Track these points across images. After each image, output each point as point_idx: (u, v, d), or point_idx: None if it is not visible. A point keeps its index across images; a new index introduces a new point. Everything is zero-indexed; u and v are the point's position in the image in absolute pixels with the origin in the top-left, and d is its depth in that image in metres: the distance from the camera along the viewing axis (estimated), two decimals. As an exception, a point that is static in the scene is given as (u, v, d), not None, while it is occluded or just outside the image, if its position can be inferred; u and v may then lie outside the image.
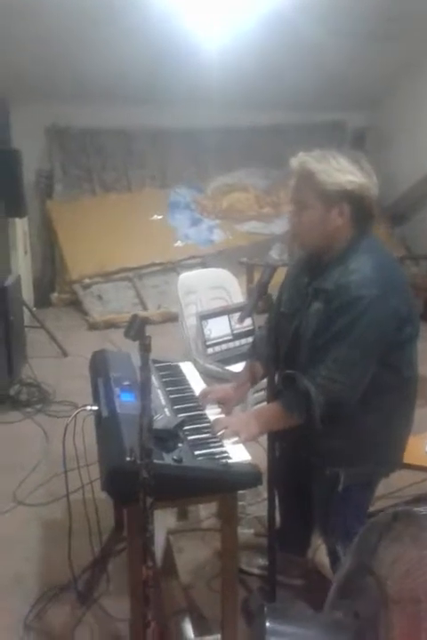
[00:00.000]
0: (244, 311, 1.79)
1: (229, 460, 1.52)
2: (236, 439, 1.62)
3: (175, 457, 1.46)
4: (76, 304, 5.71)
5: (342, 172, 1.55)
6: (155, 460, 1.38)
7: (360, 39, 5.10)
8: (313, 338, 1.61)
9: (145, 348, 1.15)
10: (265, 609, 1.19)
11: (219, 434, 1.63)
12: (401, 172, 6.37)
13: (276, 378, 1.75)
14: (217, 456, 1.55)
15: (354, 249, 1.59)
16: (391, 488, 2.43)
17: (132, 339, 1.18)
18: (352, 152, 1.65)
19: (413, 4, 4.73)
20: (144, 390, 1.17)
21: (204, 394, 1.88)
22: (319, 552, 2.10)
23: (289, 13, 4.60)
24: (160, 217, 6.20)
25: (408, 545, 0.96)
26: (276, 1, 4.52)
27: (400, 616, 1.19)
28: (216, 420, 1.70)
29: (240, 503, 2.37)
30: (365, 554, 1.10)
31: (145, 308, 5.60)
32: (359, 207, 1.59)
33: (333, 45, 5.12)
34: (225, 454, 1.56)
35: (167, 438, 1.53)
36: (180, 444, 1.55)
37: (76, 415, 1.72)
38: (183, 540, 2.30)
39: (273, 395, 1.75)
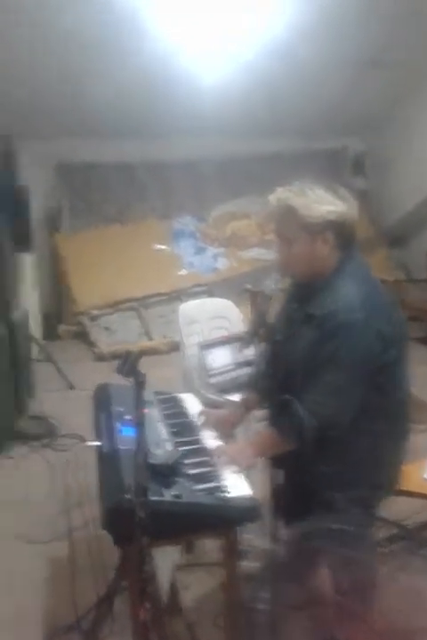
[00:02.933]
0: (243, 341, 1.81)
1: (228, 495, 1.51)
2: (233, 468, 1.64)
3: (174, 493, 1.46)
4: (83, 336, 5.73)
5: (321, 203, 1.59)
6: (153, 497, 1.37)
7: (360, 66, 5.19)
8: (304, 363, 1.63)
9: (139, 385, 1.15)
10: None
11: (216, 462, 1.66)
12: (400, 196, 6.41)
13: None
14: (217, 490, 1.53)
15: (339, 274, 1.63)
16: (394, 517, 2.39)
17: (124, 375, 1.18)
18: (328, 182, 1.66)
19: (410, 34, 4.81)
20: (139, 427, 1.16)
21: (201, 415, 1.95)
22: (325, 582, 2.06)
23: (289, 42, 4.70)
24: (164, 247, 6.25)
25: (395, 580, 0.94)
26: (275, 29, 4.61)
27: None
28: (214, 449, 1.73)
29: (248, 536, 2.34)
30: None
31: (150, 338, 5.61)
32: (342, 233, 1.62)
33: (332, 73, 5.21)
34: (225, 488, 1.54)
35: (167, 473, 1.53)
36: (179, 479, 1.54)
37: (77, 451, 1.72)
38: (189, 574, 2.27)
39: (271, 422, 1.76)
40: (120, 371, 1.22)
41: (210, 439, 1.83)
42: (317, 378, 1.59)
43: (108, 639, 1.96)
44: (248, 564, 2.22)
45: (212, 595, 2.16)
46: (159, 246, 6.24)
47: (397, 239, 6.78)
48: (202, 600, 2.15)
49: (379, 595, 1.15)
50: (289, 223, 1.62)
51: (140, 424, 1.19)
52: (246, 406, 1.95)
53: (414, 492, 2.12)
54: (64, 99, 5.22)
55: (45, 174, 6.11)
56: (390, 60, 5.13)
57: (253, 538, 2.37)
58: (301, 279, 1.71)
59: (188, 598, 2.11)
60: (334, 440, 1.61)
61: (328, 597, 1.34)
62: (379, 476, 1.71)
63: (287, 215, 1.61)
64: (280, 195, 1.64)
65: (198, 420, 1.94)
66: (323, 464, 1.63)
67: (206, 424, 1.92)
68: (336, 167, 6.70)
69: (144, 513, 1.18)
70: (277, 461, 1.79)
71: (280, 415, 1.69)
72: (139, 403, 1.19)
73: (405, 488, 1.93)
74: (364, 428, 1.62)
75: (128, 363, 1.21)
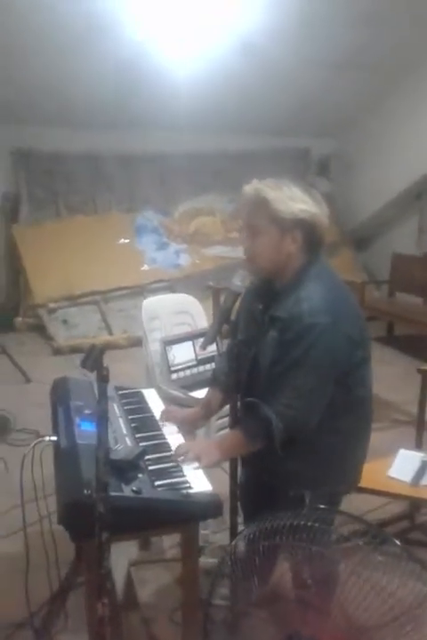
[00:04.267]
0: (206, 337, 1.80)
1: (190, 491, 1.51)
2: (196, 465, 1.63)
3: (134, 488, 1.45)
4: (40, 329, 5.60)
5: (294, 200, 1.60)
6: (113, 493, 1.36)
7: (328, 68, 5.26)
8: (270, 366, 1.63)
9: (102, 379, 1.13)
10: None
11: (180, 459, 1.65)
12: (364, 199, 6.56)
13: (237, 404, 1.77)
14: (178, 486, 1.53)
15: (305, 276, 1.63)
16: (355, 513, 2.44)
17: (89, 369, 1.16)
18: (304, 183, 1.69)
19: (380, 38, 4.92)
20: (100, 422, 1.15)
21: (163, 414, 1.92)
22: (284, 578, 2.09)
23: (260, 41, 4.72)
24: (127, 241, 6.18)
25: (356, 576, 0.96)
26: (246, 28, 4.63)
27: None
28: (178, 446, 1.72)
29: (204, 532, 2.35)
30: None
31: (111, 333, 5.54)
32: (311, 235, 1.63)
33: (301, 73, 5.27)
34: (186, 484, 1.54)
35: (127, 469, 1.52)
36: (140, 475, 1.53)
37: (34, 446, 1.68)
38: (146, 571, 2.26)
39: (235, 421, 1.77)
40: (84, 364, 1.20)
41: (171, 435, 1.83)
42: (284, 381, 1.59)
43: (62, 635, 1.93)
44: (205, 560, 2.24)
45: (168, 590, 2.16)
46: (122, 240, 6.17)
47: (360, 241, 6.93)
48: (159, 595, 2.14)
49: (341, 590, 1.17)
50: (260, 215, 1.62)
51: (102, 418, 1.18)
52: (209, 405, 1.93)
53: (377, 489, 2.16)
54: (31, 88, 5.11)
55: (5, 162, 5.96)
56: (358, 65, 5.23)
57: (211, 534, 2.38)
58: (264, 275, 1.71)
59: (144, 594, 2.10)
60: (300, 439, 1.63)
61: (289, 593, 1.35)
62: (342, 474, 1.74)
63: (260, 206, 1.61)
64: (256, 185, 1.64)
65: (161, 419, 1.92)
66: (287, 463, 1.64)
67: (168, 418, 1.91)
68: (301, 167, 6.79)
69: (104, 508, 1.17)
70: (240, 459, 1.79)
71: (247, 417, 1.69)
72: (102, 397, 1.17)
73: (368, 485, 1.96)
74: (329, 427, 1.63)
75: (92, 356, 1.19)
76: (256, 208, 1.63)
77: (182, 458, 1.65)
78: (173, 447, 1.74)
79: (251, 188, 1.65)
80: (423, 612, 1.06)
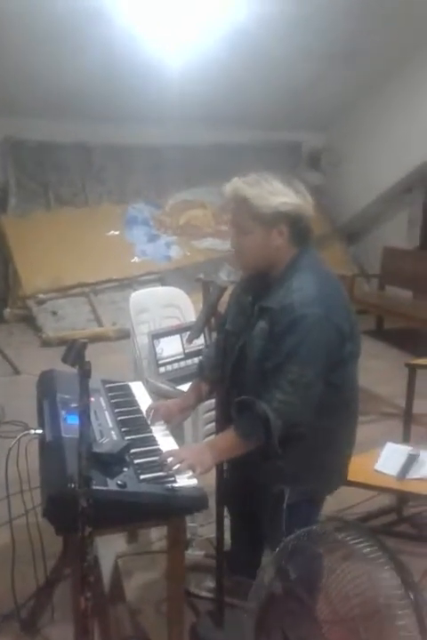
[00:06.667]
0: (192, 331, 1.78)
1: (175, 485, 1.51)
2: (191, 474, 1.57)
3: (119, 482, 1.44)
4: (29, 320, 5.58)
5: (275, 194, 1.57)
6: (98, 486, 1.36)
7: (318, 60, 5.26)
8: (260, 359, 1.61)
9: (84, 375, 1.12)
10: None
11: (174, 468, 1.57)
12: (355, 193, 6.57)
13: (223, 398, 1.76)
14: (163, 480, 1.53)
15: (296, 267, 1.61)
16: (342, 505, 2.46)
17: (70, 364, 1.15)
18: (285, 174, 1.65)
19: (370, 31, 4.91)
20: (83, 417, 1.14)
21: (149, 410, 1.89)
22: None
23: (252, 32, 4.70)
24: (117, 233, 6.15)
25: (338, 569, 0.97)
26: (239, 19, 4.61)
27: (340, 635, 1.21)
28: (170, 453, 1.64)
29: (191, 524, 2.35)
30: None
31: (100, 325, 5.53)
32: (297, 227, 1.61)
33: (292, 66, 5.26)
34: (171, 478, 1.54)
35: (112, 463, 1.51)
36: (125, 469, 1.53)
37: (19, 439, 1.68)
38: (133, 563, 2.26)
39: (222, 415, 1.75)
40: (65, 359, 1.18)
41: (159, 431, 1.82)
42: (279, 375, 1.56)
43: (48, 628, 1.94)
44: (193, 553, 2.25)
45: (155, 582, 2.16)
46: (112, 232, 6.14)
47: (351, 235, 6.94)
48: (145, 588, 2.15)
49: (325, 584, 1.18)
50: (242, 214, 1.60)
51: (84, 413, 1.17)
52: (197, 395, 1.92)
53: (364, 482, 2.16)
54: (21, 78, 5.06)
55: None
56: (350, 57, 5.21)
57: (198, 526, 2.39)
58: (254, 271, 1.68)
59: (131, 586, 2.11)
60: (287, 436, 1.59)
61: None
62: (329, 472, 1.72)
63: (241, 206, 1.60)
64: (235, 184, 1.62)
65: (147, 414, 1.88)
66: (271, 459, 1.62)
67: (156, 416, 1.86)
68: (292, 161, 6.79)
69: (87, 503, 1.17)
70: None
71: (241, 416, 1.64)
72: (83, 392, 1.17)
73: (355, 479, 1.96)
74: (317, 425, 1.61)
75: (73, 351, 1.18)
76: (238, 207, 1.62)
77: (176, 468, 1.57)
78: (159, 441, 1.72)
79: (230, 186, 1.62)
80: (401, 606, 1.07)
